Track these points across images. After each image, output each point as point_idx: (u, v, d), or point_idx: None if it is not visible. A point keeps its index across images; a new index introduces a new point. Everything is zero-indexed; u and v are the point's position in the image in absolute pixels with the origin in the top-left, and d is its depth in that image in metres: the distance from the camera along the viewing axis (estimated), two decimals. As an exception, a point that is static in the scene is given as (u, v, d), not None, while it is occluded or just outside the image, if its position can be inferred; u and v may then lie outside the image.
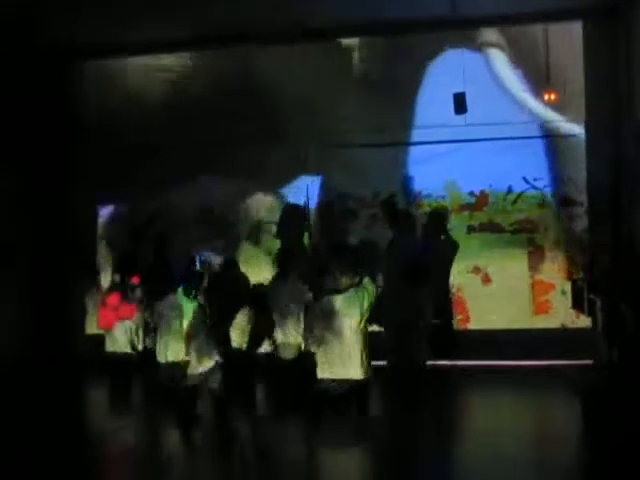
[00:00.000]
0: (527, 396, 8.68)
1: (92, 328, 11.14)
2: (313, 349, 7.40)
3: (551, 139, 10.39)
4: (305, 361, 7.87)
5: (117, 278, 9.59)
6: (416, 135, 10.68)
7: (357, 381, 7.11)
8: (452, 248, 9.80)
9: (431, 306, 8.97)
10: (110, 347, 9.32)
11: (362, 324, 7.14)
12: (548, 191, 10.34)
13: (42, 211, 11.15)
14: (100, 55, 11.37)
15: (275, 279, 8.86)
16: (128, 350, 9.25)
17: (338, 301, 7.15)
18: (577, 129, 10.24)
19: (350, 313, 7.10)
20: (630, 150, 9.33)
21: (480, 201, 10.49)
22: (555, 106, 10.22)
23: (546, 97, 10.00)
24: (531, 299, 10.28)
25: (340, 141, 10.69)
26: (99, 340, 9.70)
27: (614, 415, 6.99)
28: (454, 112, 9.86)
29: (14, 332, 10.62)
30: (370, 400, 7.41)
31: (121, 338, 9.28)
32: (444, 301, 9.65)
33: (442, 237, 9.87)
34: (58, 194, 11.34)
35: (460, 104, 9.73)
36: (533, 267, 10.32)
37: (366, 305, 7.16)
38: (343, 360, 7.07)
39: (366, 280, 7.32)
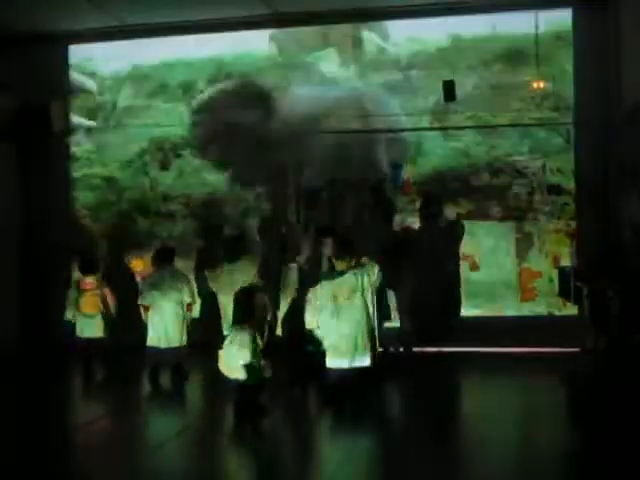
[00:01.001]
0: (513, 383, 8.73)
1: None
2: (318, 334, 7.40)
3: (538, 127, 10.40)
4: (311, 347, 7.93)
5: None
6: (405, 121, 10.64)
7: (363, 368, 7.15)
8: (460, 230, 9.93)
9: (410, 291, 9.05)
10: (85, 333, 9.14)
11: (363, 306, 7.15)
12: (536, 179, 10.37)
13: (31, 198, 11.12)
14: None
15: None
16: (105, 335, 9.14)
17: (336, 284, 7.16)
18: (565, 117, 10.26)
19: (349, 295, 7.12)
20: (618, 139, 9.36)
21: (468, 188, 10.50)
22: (543, 94, 10.23)
23: (535, 85, 10.00)
24: (518, 286, 10.35)
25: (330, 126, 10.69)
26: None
27: (600, 402, 7.06)
28: (443, 99, 9.91)
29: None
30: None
31: (99, 323, 9.19)
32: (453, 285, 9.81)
33: (450, 220, 10.06)
34: (47, 177, 11.23)
35: (449, 91, 9.74)
36: (521, 254, 10.37)
37: (366, 285, 7.15)
38: (347, 345, 7.09)
39: (364, 259, 7.33)
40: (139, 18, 10.62)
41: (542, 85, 10.04)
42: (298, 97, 10.83)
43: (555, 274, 9.75)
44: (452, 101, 9.85)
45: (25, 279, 11.05)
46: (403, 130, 10.62)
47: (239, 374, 6.69)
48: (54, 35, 11.02)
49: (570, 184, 10.22)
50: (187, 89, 11.33)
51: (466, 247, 10.25)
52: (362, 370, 7.17)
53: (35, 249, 11.04)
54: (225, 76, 11.20)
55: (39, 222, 11.10)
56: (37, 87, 10.85)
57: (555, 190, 10.25)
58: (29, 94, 10.68)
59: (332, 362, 7.16)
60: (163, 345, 8.44)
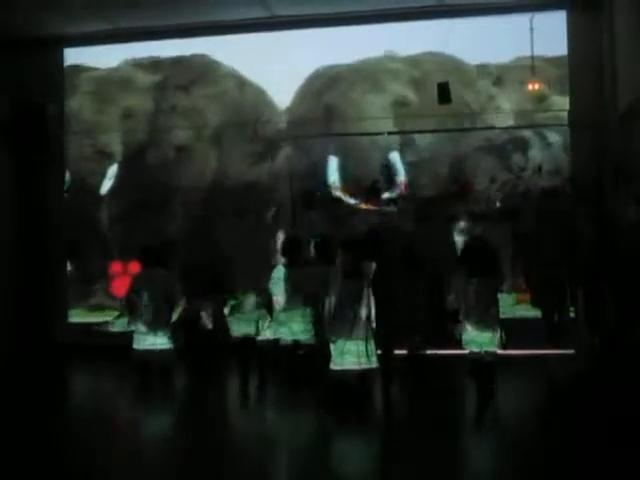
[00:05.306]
0: (508, 384, 8.71)
1: (74, 316, 11.24)
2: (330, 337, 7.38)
3: (535, 129, 10.42)
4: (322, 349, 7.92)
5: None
6: (399, 124, 10.67)
7: (371, 370, 7.16)
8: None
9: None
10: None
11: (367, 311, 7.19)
12: (532, 181, 10.38)
13: (25, 198, 11.15)
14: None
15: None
16: None
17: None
18: (561, 119, 10.28)
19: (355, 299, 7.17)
20: (614, 141, 9.37)
21: (464, 190, 10.51)
22: (539, 96, 10.26)
23: (530, 87, 10.03)
24: (513, 288, 10.33)
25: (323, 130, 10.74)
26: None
27: (594, 404, 7.07)
28: (438, 101, 9.92)
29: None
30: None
31: None
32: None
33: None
34: (42, 178, 11.28)
35: (444, 93, 9.75)
36: (516, 256, 10.35)
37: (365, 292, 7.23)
38: (358, 349, 7.11)
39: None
40: (134, 21, 10.72)
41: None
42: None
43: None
44: (447, 103, 9.86)
45: (20, 278, 11.09)
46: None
47: None
48: (50, 38, 11.10)
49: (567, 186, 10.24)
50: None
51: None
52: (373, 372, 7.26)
53: (30, 248, 11.09)
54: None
55: (35, 221, 11.15)
56: (33, 90, 10.95)
57: (550, 192, 10.26)
58: (26, 96, 10.77)
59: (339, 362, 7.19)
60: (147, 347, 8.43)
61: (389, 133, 10.59)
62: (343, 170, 10.74)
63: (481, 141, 10.75)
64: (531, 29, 10.10)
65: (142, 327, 8.21)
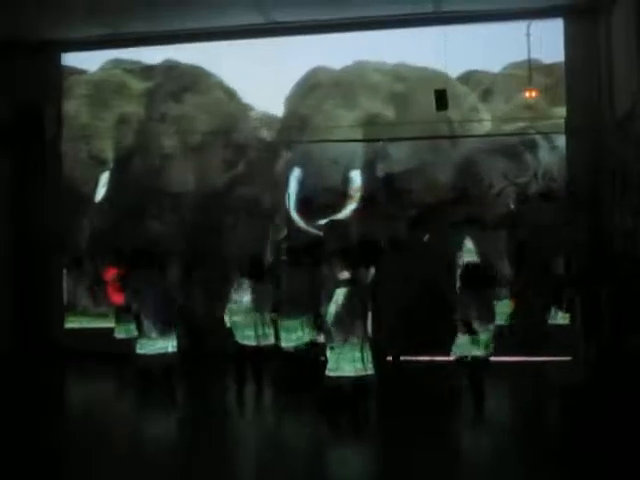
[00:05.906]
0: (505, 391, 8.71)
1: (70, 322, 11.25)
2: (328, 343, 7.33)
3: (532, 135, 10.44)
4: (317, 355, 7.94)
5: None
6: (398, 131, 10.69)
7: (368, 376, 7.15)
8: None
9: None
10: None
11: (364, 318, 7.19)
12: (528, 187, 10.39)
13: (24, 203, 11.17)
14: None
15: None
16: None
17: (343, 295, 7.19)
18: (558, 126, 10.29)
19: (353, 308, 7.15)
20: (610, 147, 9.38)
21: (462, 197, 10.53)
22: (536, 103, 10.28)
23: (527, 94, 10.05)
24: (510, 295, 10.31)
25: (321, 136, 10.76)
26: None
27: (591, 410, 7.07)
28: (435, 108, 9.93)
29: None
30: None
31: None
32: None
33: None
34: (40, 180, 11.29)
35: (441, 100, 9.77)
36: (513, 262, 10.35)
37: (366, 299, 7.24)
38: (354, 355, 7.10)
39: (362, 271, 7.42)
40: (132, 27, 10.73)
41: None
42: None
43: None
44: (444, 110, 9.87)
45: (18, 279, 11.08)
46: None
47: None
48: (48, 42, 11.10)
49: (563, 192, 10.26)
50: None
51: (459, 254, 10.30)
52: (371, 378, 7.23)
53: (29, 250, 11.08)
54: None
55: (32, 223, 11.16)
56: (31, 92, 10.97)
57: (547, 197, 10.28)
58: (24, 99, 10.81)
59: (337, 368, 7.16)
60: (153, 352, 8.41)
61: (378, 140, 10.66)
62: (302, 184, 10.78)
63: (482, 146, 10.79)
64: (527, 35, 10.11)
65: (144, 332, 8.20)
